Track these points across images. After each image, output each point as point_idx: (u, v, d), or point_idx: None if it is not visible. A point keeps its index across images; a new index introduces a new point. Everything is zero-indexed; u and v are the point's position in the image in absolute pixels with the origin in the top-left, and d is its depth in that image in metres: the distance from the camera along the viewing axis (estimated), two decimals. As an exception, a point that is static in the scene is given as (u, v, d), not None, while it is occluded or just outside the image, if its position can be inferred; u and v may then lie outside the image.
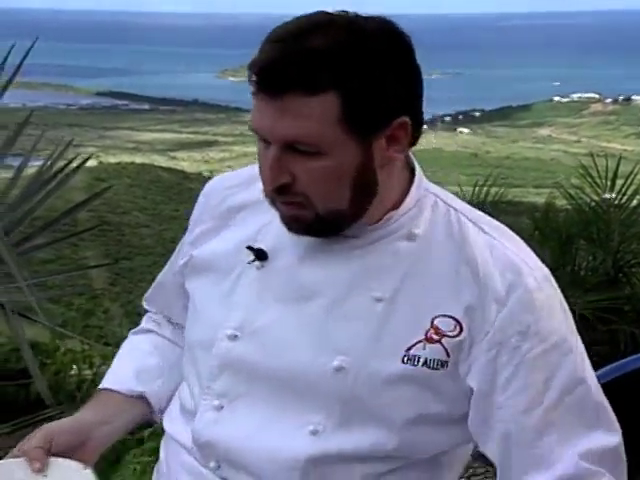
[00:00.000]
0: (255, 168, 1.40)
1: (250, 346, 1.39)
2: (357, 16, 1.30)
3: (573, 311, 1.38)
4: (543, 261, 1.39)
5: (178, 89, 70.66)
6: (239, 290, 1.43)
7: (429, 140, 49.98)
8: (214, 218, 1.51)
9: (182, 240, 1.57)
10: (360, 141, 1.29)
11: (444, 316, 1.35)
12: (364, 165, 1.31)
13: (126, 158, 38.42)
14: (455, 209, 1.40)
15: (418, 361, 1.35)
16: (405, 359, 1.35)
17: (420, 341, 1.35)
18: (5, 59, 3.32)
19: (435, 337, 1.35)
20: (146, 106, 66.04)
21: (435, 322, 1.35)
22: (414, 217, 1.38)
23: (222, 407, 1.40)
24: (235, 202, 1.50)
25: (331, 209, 1.32)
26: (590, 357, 1.37)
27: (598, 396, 1.36)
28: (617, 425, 1.36)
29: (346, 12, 1.30)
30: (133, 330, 1.68)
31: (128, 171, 31.02)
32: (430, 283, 1.37)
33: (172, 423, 1.48)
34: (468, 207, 1.44)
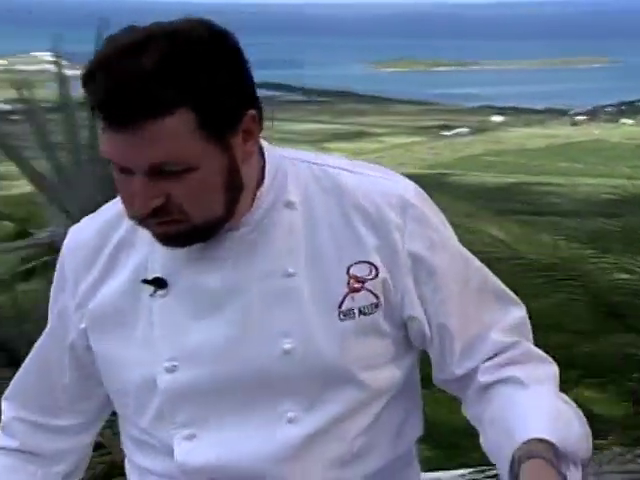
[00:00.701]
0: (114, 206, 1.44)
1: (193, 370, 1.40)
2: (175, 24, 1.29)
3: None
4: None
5: (333, 80, 70.97)
6: (156, 324, 1.42)
7: (590, 131, 48.16)
8: (96, 267, 1.48)
9: (56, 313, 1.53)
10: (220, 145, 1.30)
11: (357, 263, 1.42)
12: (230, 166, 1.32)
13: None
14: (315, 163, 1.43)
15: (354, 313, 1.43)
16: (341, 316, 1.42)
17: (346, 295, 1.42)
18: None
19: (357, 285, 1.42)
20: (300, 97, 66.59)
21: (351, 272, 1.42)
22: (281, 186, 1.40)
23: (194, 435, 1.41)
24: (112, 244, 1.47)
25: (208, 217, 1.33)
26: None
27: (495, 279, 1.52)
28: (519, 300, 1.52)
29: (162, 23, 1.29)
30: None
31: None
32: (329, 240, 1.42)
33: (151, 461, 1.47)
34: (323, 156, 1.47)
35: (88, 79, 1.29)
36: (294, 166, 1.43)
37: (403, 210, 1.42)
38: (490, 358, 1.49)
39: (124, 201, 1.34)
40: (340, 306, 1.41)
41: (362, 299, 1.42)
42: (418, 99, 62.36)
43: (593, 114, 55.36)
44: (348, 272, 1.41)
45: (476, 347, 1.48)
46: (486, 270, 1.52)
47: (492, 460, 1.44)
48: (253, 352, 1.39)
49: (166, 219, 1.32)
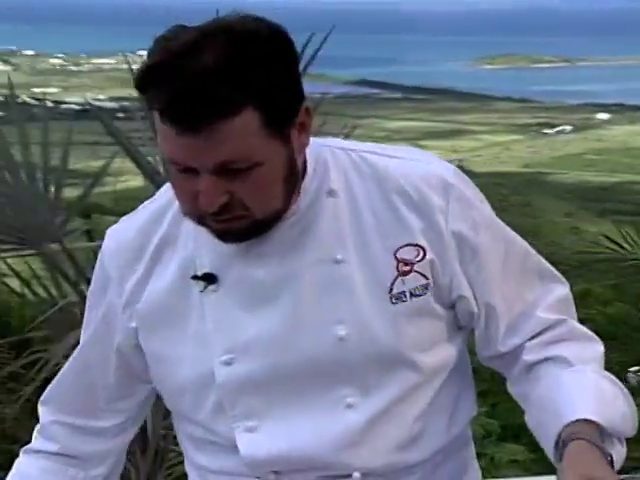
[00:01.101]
0: (152, 205, 1.48)
1: (250, 361, 1.41)
2: (229, 21, 1.29)
3: None
4: None
5: (432, 77, 70.51)
6: (209, 319, 1.43)
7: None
8: (141, 265, 1.47)
9: (101, 316, 1.52)
10: (282, 139, 1.32)
11: (403, 246, 1.43)
12: (289, 159, 1.34)
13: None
14: (352, 150, 1.44)
15: (405, 296, 1.43)
16: (393, 300, 1.43)
17: (396, 278, 1.43)
18: (303, 50, 3.18)
19: (406, 268, 1.43)
20: (398, 95, 66.37)
21: (398, 255, 1.43)
22: (323, 175, 1.41)
23: (256, 427, 1.42)
24: (155, 242, 1.47)
25: (270, 211, 1.35)
26: None
27: (539, 257, 1.53)
28: (562, 277, 1.53)
29: (216, 20, 1.30)
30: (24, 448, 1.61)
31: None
32: (374, 226, 1.43)
33: (211, 458, 1.48)
34: (359, 143, 1.47)
35: (149, 83, 1.28)
36: (332, 154, 1.44)
37: (445, 191, 1.43)
38: (535, 336, 1.49)
39: (184, 200, 1.35)
40: (391, 290, 1.42)
41: (412, 281, 1.42)
42: (518, 96, 61.49)
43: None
44: (395, 256, 1.42)
45: (520, 325, 1.49)
46: (528, 247, 1.52)
47: (537, 438, 1.46)
48: (308, 341, 1.40)
49: (228, 216, 1.33)
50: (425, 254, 1.42)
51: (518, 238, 1.52)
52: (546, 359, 1.48)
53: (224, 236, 1.37)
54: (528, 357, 1.49)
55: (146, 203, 1.51)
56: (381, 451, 1.45)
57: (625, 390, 1.45)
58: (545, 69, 78.81)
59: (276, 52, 1.30)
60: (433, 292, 1.44)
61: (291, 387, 1.42)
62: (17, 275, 3.33)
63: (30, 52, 67.19)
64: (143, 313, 1.47)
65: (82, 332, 1.57)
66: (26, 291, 3.34)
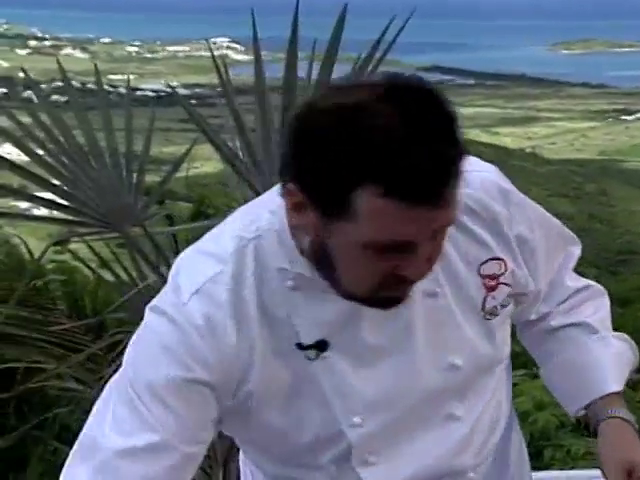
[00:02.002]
0: (224, 275, 1.35)
1: (380, 417, 1.42)
2: (408, 80, 1.26)
3: None
4: None
5: (507, 63, 69.50)
6: (326, 385, 1.39)
7: None
8: (241, 335, 1.34)
9: (195, 391, 1.34)
10: None
11: (484, 262, 1.44)
12: None
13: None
14: None
15: (497, 309, 1.46)
16: (487, 316, 1.46)
17: (486, 296, 1.45)
18: (382, 35, 3.15)
19: (492, 283, 1.45)
20: (471, 81, 65.65)
21: (482, 272, 1.44)
22: None
23: (376, 462, 1.44)
24: (250, 310, 1.35)
25: None
26: None
27: (556, 220, 1.60)
28: (575, 237, 1.63)
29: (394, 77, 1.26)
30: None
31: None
32: (451, 248, 1.40)
33: None
34: None
35: (396, 154, 1.18)
36: None
37: (504, 198, 1.45)
38: (562, 302, 1.61)
39: (366, 279, 1.27)
40: (483, 308, 1.44)
41: (500, 294, 1.46)
42: (595, 82, 60.33)
43: None
44: (480, 274, 1.43)
45: (551, 293, 1.59)
46: (550, 215, 1.58)
47: (554, 393, 1.64)
48: (424, 377, 1.42)
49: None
50: (507, 266, 1.45)
51: (546, 213, 1.57)
52: (573, 324, 1.60)
53: (392, 303, 1.32)
54: (555, 322, 1.61)
55: (200, 277, 1.35)
56: (481, 448, 1.51)
57: (631, 342, 1.63)
58: (624, 54, 77.12)
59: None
60: (514, 297, 1.50)
61: (406, 422, 1.44)
62: (98, 257, 3.41)
63: (107, 40, 68.15)
64: (249, 397, 1.38)
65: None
66: (105, 273, 3.42)
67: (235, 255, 1.35)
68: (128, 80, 4.13)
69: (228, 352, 1.34)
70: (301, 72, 3.10)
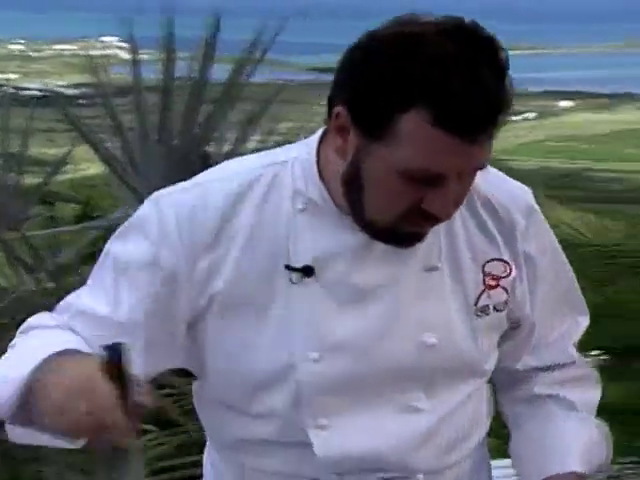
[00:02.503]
0: (228, 185, 1.38)
1: (337, 362, 1.38)
2: (458, 24, 1.28)
3: None
4: None
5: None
6: (297, 311, 1.39)
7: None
8: (221, 247, 1.37)
9: (162, 277, 1.36)
10: None
11: (492, 260, 1.44)
12: None
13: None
14: None
15: (489, 310, 1.45)
16: (478, 313, 1.44)
17: (483, 292, 1.44)
18: (259, 36, 3.02)
19: (493, 282, 1.44)
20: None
21: (486, 269, 1.44)
22: None
23: (326, 426, 1.39)
24: (237, 226, 1.38)
25: None
26: None
27: (577, 286, 1.56)
28: (586, 307, 1.58)
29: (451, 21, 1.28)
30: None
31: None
32: (464, 238, 1.43)
33: (258, 458, 1.44)
34: None
35: (456, 95, 1.22)
36: None
37: (528, 214, 1.46)
38: (554, 368, 1.55)
39: (395, 206, 1.30)
40: (476, 303, 1.44)
41: (497, 296, 1.45)
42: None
43: (661, 99, 54.21)
44: (484, 269, 1.44)
45: (543, 350, 1.54)
46: (574, 277, 1.56)
47: (514, 462, 1.57)
48: (396, 346, 1.40)
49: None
50: (511, 271, 1.45)
51: (568, 266, 1.56)
52: (555, 397, 1.55)
53: (409, 240, 1.36)
54: (538, 388, 1.56)
55: (212, 178, 1.42)
56: (440, 452, 1.47)
57: (606, 429, 1.58)
58: (515, 56, 79.19)
59: None
60: (508, 309, 1.47)
61: (366, 389, 1.41)
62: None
63: (-12, 38, 66.45)
64: (218, 297, 1.38)
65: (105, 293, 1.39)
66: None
67: (243, 177, 1.40)
68: (7, 80, 4.00)
69: (199, 243, 1.37)
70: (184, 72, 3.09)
